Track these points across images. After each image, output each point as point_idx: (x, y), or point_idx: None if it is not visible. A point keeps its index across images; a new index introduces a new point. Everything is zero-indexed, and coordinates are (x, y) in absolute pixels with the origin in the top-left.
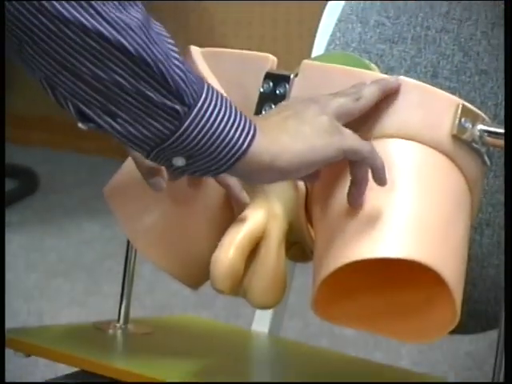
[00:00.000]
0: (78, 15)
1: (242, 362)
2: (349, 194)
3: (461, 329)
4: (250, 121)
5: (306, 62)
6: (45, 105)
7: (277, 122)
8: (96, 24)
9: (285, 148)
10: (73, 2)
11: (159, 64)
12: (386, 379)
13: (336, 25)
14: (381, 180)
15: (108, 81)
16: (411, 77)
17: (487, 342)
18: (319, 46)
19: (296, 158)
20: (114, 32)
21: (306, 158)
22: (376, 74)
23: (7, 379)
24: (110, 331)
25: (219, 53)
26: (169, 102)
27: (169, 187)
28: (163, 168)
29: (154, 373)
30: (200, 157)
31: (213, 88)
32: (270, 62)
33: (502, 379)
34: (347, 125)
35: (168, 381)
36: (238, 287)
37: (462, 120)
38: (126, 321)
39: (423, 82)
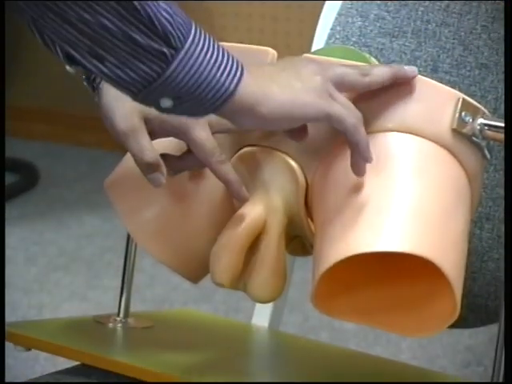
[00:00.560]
0: None
1: (241, 355)
2: (351, 164)
3: (461, 323)
4: (238, 62)
5: (306, 55)
6: (45, 98)
7: (270, 71)
8: None
9: (270, 96)
10: None
11: (146, 7)
12: (385, 373)
13: (336, 19)
14: (362, 159)
15: (95, 24)
16: None
17: (487, 335)
18: (319, 40)
19: (277, 109)
20: None
21: (286, 110)
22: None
23: (7, 373)
24: (110, 325)
25: None
26: (156, 45)
27: (169, 181)
28: (162, 163)
29: (155, 367)
30: (187, 98)
31: (201, 29)
32: (270, 55)
33: (502, 373)
34: None
35: (168, 374)
36: (238, 281)
37: (463, 114)
38: (126, 314)
39: (423, 75)
